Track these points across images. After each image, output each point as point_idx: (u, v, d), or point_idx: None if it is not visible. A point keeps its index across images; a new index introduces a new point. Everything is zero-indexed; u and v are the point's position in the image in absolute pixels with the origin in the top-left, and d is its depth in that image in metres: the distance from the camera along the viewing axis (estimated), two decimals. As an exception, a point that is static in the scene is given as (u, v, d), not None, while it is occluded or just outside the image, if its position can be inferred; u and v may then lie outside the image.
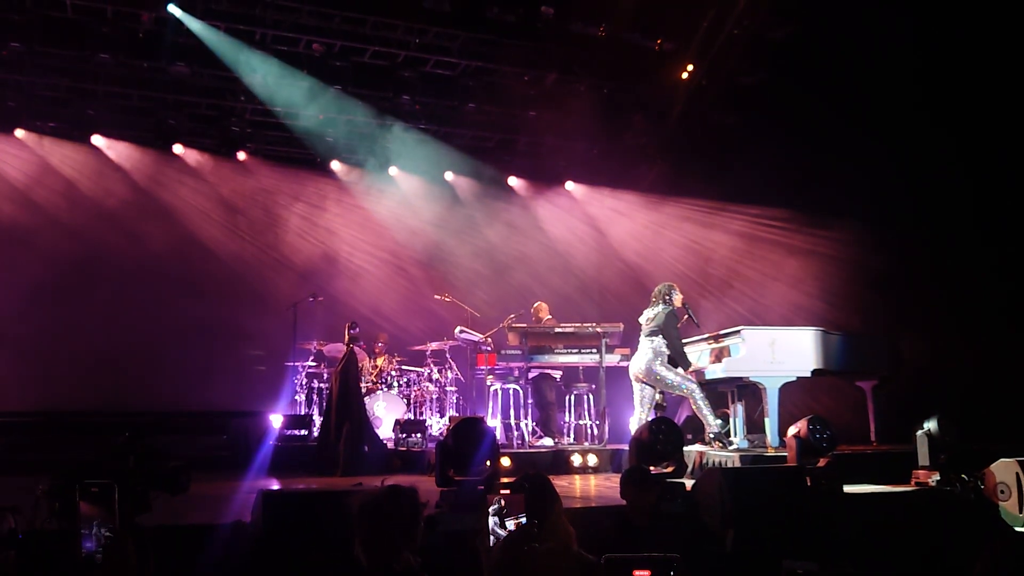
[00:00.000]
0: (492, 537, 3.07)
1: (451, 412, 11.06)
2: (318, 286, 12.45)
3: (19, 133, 12.17)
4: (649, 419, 7.60)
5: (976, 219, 8.77)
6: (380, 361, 11.29)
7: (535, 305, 10.75)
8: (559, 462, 8.71)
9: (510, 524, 3.08)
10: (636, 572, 2.11)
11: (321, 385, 11.12)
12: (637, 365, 8.34)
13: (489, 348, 10.05)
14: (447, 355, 11.41)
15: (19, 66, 11.01)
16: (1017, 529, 5.68)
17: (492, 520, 3.10)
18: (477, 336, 10.19)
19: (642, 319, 8.47)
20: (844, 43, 9.48)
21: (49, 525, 3.14)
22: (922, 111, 8.86)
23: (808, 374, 8.15)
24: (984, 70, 8.48)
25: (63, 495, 2.96)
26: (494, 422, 9.71)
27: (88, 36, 10.73)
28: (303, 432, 9.92)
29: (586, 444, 9.65)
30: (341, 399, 8.90)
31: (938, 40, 8.61)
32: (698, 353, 8.88)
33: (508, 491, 3.15)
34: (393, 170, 13.83)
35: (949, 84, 8.72)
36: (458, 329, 10.35)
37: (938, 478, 6.50)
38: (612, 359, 9.61)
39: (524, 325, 9.84)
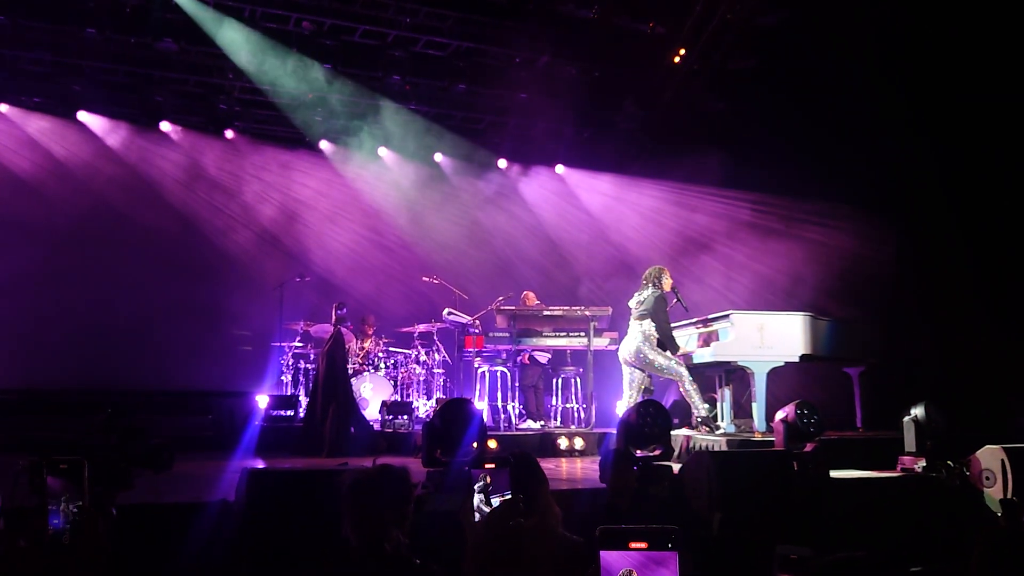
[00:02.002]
0: (477, 514, 3.04)
1: (438, 394, 11.04)
2: (305, 266, 12.41)
3: (3, 108, 12.01)
4: (637, 402, 7.59)
5: (965, 210, 8.79)
6: (367, 342, 11.25)
7: (523, 294, 10.72)
8: (546, 445, 8.71)
9: (495, 500, 3.05)
10: (632, 544, 2.07)
11: (308, 366, 11.08)
12: (627, 348, 8.33)
13: (477, 330, 10.01)
14: (435, 337, 11.37)
15: (4, 40, 10.89)
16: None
17: (477, 497, 3.07)
18: (465, 318, 10.16)
19: (632, 303, 8.46)
20: (835, 29, 9.45)
21: (29, 502, 3.10)
22: (912, 99, 8.86)
23: (796, 359, 8.16)
24: (974, 58, 8.47)
25: (41, 472, 2.92)
26: (481, 404, 9.70)
27: (74, 10, 10.63)
28: (289, 413, 9.88)
29: (573, 427, 9.66)
30: (327, 380, 8.86)
31: (929, 26, 8.60)
32: (687, 337, 8.89)
33: (492, 465, 3.12)
34: (382, 151, 13.74)
35: (938, 72, 8.72)
36: (446, 311, 10.32)
37: (924, 464, 6.51)
38: (601, 343, 9.59)
39: (512, 308, 9.80)
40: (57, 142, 12.34)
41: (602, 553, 2.07)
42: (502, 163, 14.32)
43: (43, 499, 2.87)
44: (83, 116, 12.36)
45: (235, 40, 11.01)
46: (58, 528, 2.87)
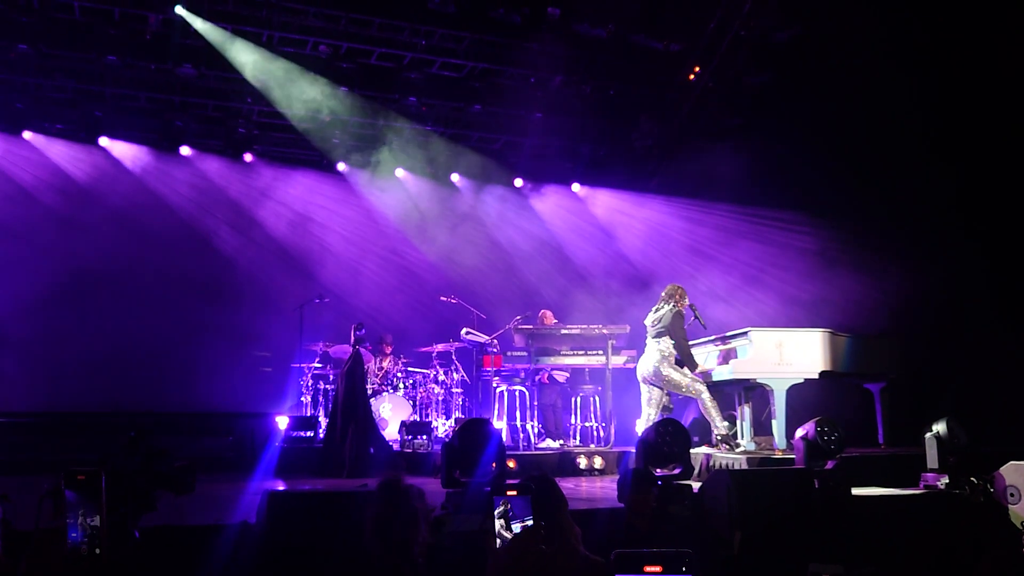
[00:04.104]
0: (498, 539, 3.04)
1: (457, 414, 11.05)
2: (325, 287, 12.46)
3: (27, 135, 12.19)
4: (656, 420, 7.57)
5: (987, 222, 8.72)
6: (386, 363, 11.28)
7: (541, 313, 10.72)
8: (565, 464, 8.68)
9: (516, 526, 3.06)
10: (647, 568, 2.08)
11: (327, 386, 11.10)
12: (645, 366, 8.32)
13: (495, 350, 10.03)
14: (453, 357, 11.39)
15: (26, 68, 11.08)
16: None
17: (498, 522, 3.08)
18: (483, 338, 10.17)
19: (648, 320, 8.44)
20: (849, 43, 9.45)
21: (53, 524, 3.14)
22: (927, 113, 8.83)
23: (816, 376, 8.11)
24: (987, 74, 8.44)
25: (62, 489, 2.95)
26: (500, 424, 9.69)
27: (95, 38, 10.81)
28: (309, 434, 9.88)
29: (592, 446, 9.63)
30: (347, 401, 8.88)
31: (944, 39, 8.57)
32: (705, 354, 8.85)
33: (514, 492, 3.13)
34: (399, 171, 13.83)
35: (953, 85, 8.69)
36: (464, 331, 10.34)
37: (947, 481, 6.45)
38: (619, 361, 9.58)
39: (530, 327, 9.81)
40: (79, 167, 12.50)
41: (617, 577, 2.08)
42: (518, 182, 14.37)
43: (63, 514, 2.91)
44: (104, 141, 12.53)
45: (253, 65, 11.15)
46: (76, 541, 2.89)
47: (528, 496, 3.14)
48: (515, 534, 3.03)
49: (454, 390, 11.32)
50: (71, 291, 11.71)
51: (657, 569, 2.07)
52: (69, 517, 2.89)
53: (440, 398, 11.25)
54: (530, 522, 3.12)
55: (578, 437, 10.26)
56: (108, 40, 10.84)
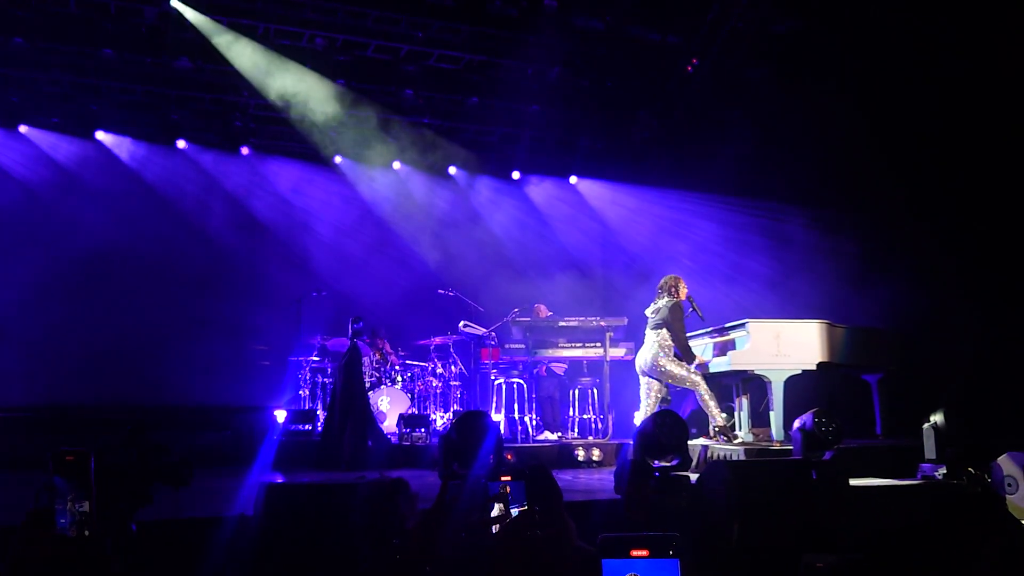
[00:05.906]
0: (498, 524, 3.06)
1: (455, 406, 11.05)
2: (322, 280, 12.45)
3: (23, 128, 12.17)
4: (654, 412, 7.57)
5: (988, 211, 8.71)
6: (378, 355, 11.26)
7: (535, 307, 10.71)
8: (563, 456, 8.69)
9: (515, 510, 3.07)
10: (634, 552, 2.07)
11: (325, 380, 11.09)
12: (643, 358, 8.32)
13: (493, 342, 10.03)
14: (451, 349, 11.39)
15: (22, 61, 11.05)
16: (1024, 522, 5.63)
17: (498, 506, 3.09)
18: (481, 330, 10.18)
19: (648, 312, 8.44)
20: (848, 35, 9.44)
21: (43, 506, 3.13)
22: (928, 104, 8.82)
23: (813, 367, 8.11)
24: (987, 65, 8.41)
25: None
26: (498, 416, 9.70)
27: (91, 31, 10.80)
28: (307, 427, 9.90)
29: (591, 438, 9.64)
30: (345, 394, 8.88)
31: (944, 30, 8.55)
32: (703, 346, 8.86)
33: (508, 477, 3.15)
34: (396, 164, 13.82)
35: (953, 79, 8.67)
36: (462, 323, 10.34)
37: (945, 471, 6.46)
38: (617, 353, 9.58)
39: (528, 319, 9.81)
40: (75, 161, 12.48)
41: (604, 561, 2.07)
42: (516, 175, 14.37)
43: (52, 498, 2.91)
44: (101, 135, 12.52)
45: (249, 58, 11.12)
46: (64, 527, 2.90)
47: (523, 481, 3.15)
48: (511, 519, 3.04)
49: (452, 383, 11.32)
50: (67, 285, 11.69)
51: (644, 553, 2.06)
52: (57, 503, 2.90)
53: (438, 391, 11.26)
54: (525, 506, 3.13)
55: (576, 429, 10.28)
56: (104, 34, 10.83)
